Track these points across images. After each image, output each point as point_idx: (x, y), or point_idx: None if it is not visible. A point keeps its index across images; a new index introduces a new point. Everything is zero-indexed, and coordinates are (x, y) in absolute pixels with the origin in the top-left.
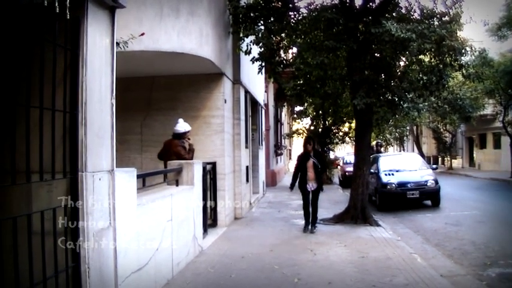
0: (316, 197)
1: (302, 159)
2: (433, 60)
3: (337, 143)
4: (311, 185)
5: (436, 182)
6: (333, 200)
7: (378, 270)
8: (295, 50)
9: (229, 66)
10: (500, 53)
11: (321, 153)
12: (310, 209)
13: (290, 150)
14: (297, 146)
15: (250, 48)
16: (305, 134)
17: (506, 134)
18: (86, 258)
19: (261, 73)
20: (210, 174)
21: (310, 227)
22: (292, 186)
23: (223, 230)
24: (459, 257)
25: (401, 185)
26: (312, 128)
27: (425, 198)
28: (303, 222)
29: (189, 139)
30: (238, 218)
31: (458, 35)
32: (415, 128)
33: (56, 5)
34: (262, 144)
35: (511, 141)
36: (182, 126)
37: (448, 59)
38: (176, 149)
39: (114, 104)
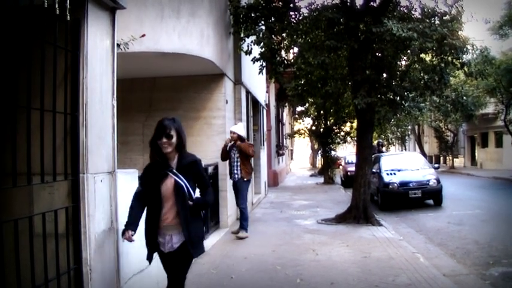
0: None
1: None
2: (434, 59)
3: (338, 143)
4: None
5: (438, 181)
6: (335, 199)
7: (380, 270)
8: (296, 49)
9: (230, 67)
10: (502, 51)
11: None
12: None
13: (292, 150)
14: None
15: (251, 49)
16: (306, 134)
17: (508, 133)
18: (88, 260)
19: (262, 73)
20: (212, 175)
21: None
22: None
23: (226, 230)
24: (462, 256)
25: (403, 184)
26: (314, 127)
27: (427, 197)
28: (305, 222)
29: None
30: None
31: (459, 33)
32: (416, 127)
33: (56, 6)
34: (263, 145)
35: None
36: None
37: (449, 57)
38: (250, 150)
39: (115, 105)
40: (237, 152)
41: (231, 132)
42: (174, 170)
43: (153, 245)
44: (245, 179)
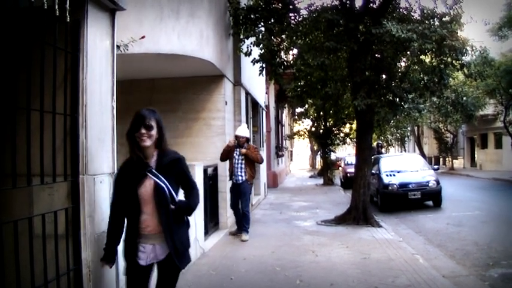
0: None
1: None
2: (434, 60)
3: (338, 144)
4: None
5: (438, 182)
6: (335, 201)
7: (380, 271)
8: (295, 51)
9: (229, 68)
10: (501, 52)
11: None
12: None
13: (291, 151)
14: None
15: (251, 50)
16: (306, 135)
17: (507, 134)
18: (88, 261)
19: (262, 74)
20: (211, 176)
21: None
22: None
23: (225, 231)
24: (461, 257)
25: (403, 185)
26: (313, 129)
27: (427, 198)
28: (305, 223)
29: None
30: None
31: (459, 35)
32: (416, 128)
33: (56, 8)
34: (263, 146)
35: None
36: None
37: (449, 58)
38: (259, 157)
39: (115, 107)
40: (241, 154)
41: (238, 137)
42: (154, 170)
43: (133, 256)
44: (249, 182)
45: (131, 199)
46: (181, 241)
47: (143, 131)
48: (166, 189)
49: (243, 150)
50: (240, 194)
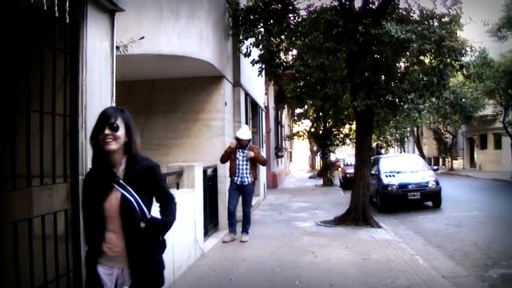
0: None
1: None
2: (433, 60)
3: (337, 145)
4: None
5: (437, 183)
6: (334, 201)
7: (379, 272)
8: (295, 52)
9: (229, 69)
10: (501, 53)
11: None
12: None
13: (291, 152)
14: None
15: (250, 51)
16: (305, 136)
17: (506, 135)
18: None
19: (261, 75)
20: (211, 177)
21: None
22: None
23: (224, 232)
24: (461, 258)
25: (402, 186)
26: (313, 129)
27: (426, 199)
28: (304, 224)
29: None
30: (239, 220)
31: (458, 35)
32: (415, 129)
33: (56, 9)
34: (262, 147)
35: (511, 141)
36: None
37: (448, 59)
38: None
39: None
40: (245, 156)
41: (241, 140)
42: (121, 181)
43: (97, 281)
44: (252, 184)
45: (95, 215)
46: (151, 265)
47: (107, 131)
48: (135, 203)
49: (251, 154)
50: (244, 195)
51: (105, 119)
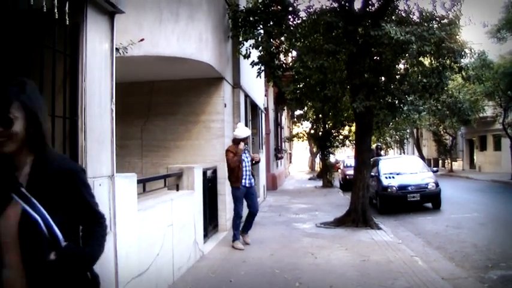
0: None
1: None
2: (432, 62)
3: (337, 147)
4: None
5: (437, 184)
6: (334, 203)
7: (379, 273)
8: (294, 53)
9: (229, 70)
10: (500, 55)
11: None
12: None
13: (290, 154)
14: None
15: (250, 52)
16: (305, 138)
17: (506, 136)
18: None
19: (260, 77)
20: (211, 178)
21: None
22: None
23: (224, 234)
24: (461, 259)
25: (402, 188)
26: (312, 131)
27: (426, 201)
28: (304, 225)
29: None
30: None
31: (457, 37)
32: (415, 130)
33: (55, 10)
34: (262, 148)
35: (511, 143)
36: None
37: (447, 61)
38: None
39: (114, 109)
40: (249, 157)
41: (243, 139)
42: (23, 189)
43: None
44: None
45: None
46: None
47: None
48: (41, 223)
49: (257, 157)
50: (252, 196)
51: None
